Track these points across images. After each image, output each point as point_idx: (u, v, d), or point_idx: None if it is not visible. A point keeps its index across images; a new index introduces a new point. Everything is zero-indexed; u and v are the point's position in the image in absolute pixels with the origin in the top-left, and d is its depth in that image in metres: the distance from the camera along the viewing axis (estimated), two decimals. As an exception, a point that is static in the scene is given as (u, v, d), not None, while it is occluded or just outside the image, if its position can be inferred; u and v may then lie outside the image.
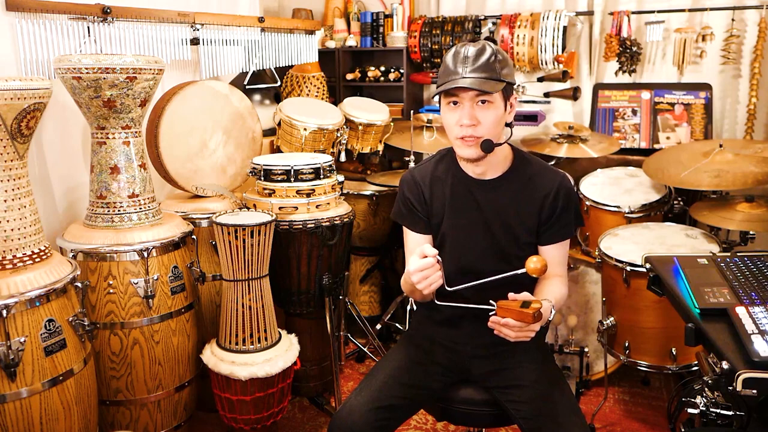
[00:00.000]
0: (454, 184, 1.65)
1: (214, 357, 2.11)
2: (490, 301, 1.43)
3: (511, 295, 1.43)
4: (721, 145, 2.59)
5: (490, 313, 1.42)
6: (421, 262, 1.43)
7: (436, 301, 1.53)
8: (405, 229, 1.74)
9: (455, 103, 1.51)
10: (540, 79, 3.18)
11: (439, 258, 1.45)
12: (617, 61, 3.24)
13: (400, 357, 1.71)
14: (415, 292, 1.65)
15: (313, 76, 3.35)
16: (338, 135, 2.85)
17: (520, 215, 1.61)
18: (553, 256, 1.63)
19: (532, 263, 1.41)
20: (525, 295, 1.42)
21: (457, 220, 1.64)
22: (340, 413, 1.54)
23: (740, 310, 1.35)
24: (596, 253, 2.43)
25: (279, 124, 2.80)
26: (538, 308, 1.37)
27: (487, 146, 1.51)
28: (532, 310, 1.36)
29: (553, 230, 1.62)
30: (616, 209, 2.71)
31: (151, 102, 2.08)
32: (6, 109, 1.59)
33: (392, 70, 3.59)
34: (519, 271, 1.44)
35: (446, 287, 1.47)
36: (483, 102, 1.49)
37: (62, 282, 1.69)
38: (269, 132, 2.98)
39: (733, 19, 3.02)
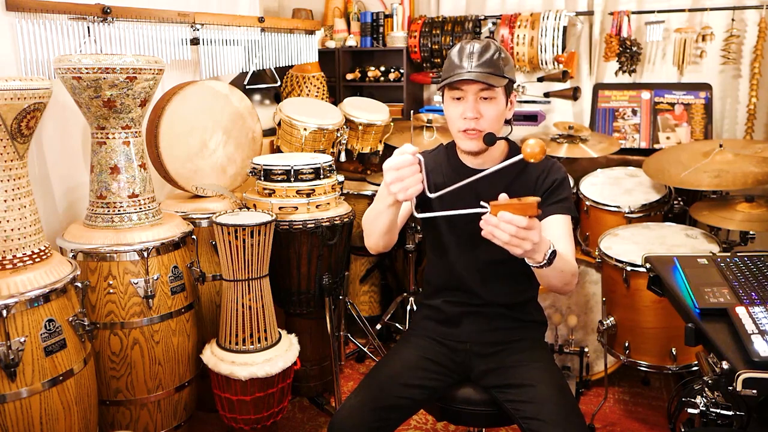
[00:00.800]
0: (451, 172, 1.68)
1: (214, 357, 2.11)
2: (482, 202, 1.21)
3: (502, 195, 1.26)
4: (721, 145, 2.58)
5: (482, 213, 1.22)
6: (397, 158, 1.24)
7: (415, 214, 1.38)
8: None
9: (459, 97, 1.54)
10: (540, 79, 3.18)
11: (421, 158, 1.25)
12: (617, 61, 3.23)
13: (400, 357, 1.71)
14: (372, 232, 1.53)
15: (313, 76, 3.35)
16: (338, 135, 2.85)
17: None
18: (553, 230, 1.55)
19: (529, 147, 1.17)
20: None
21: (452, 208, 1.64)
22: (339, 413, 1.54)
23: (740, 310, 1.35)
24: (596, 253, 2.43)
25: (279, 124, 2.80)
26: (539, 200, 1.18)
27: (490, 139, 1.53)
28: (533, 200, 1.16)
29: (548, 203, 1.58)
30: (616, 209, 2.71)
31: (151, 102, 2.08)
32: (6, 109, 1.59)
33: (392, 70, 3.59)
34: (516, 159, 1.27)
35: (428, 194, 1.27)
36: (486, 97, 1.52)
37: (62, 282, 1.69)
38: (269, 132, 2.98)
39: (733, 19, 3.02)
